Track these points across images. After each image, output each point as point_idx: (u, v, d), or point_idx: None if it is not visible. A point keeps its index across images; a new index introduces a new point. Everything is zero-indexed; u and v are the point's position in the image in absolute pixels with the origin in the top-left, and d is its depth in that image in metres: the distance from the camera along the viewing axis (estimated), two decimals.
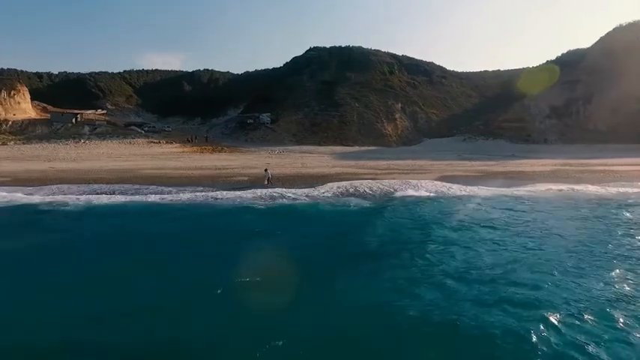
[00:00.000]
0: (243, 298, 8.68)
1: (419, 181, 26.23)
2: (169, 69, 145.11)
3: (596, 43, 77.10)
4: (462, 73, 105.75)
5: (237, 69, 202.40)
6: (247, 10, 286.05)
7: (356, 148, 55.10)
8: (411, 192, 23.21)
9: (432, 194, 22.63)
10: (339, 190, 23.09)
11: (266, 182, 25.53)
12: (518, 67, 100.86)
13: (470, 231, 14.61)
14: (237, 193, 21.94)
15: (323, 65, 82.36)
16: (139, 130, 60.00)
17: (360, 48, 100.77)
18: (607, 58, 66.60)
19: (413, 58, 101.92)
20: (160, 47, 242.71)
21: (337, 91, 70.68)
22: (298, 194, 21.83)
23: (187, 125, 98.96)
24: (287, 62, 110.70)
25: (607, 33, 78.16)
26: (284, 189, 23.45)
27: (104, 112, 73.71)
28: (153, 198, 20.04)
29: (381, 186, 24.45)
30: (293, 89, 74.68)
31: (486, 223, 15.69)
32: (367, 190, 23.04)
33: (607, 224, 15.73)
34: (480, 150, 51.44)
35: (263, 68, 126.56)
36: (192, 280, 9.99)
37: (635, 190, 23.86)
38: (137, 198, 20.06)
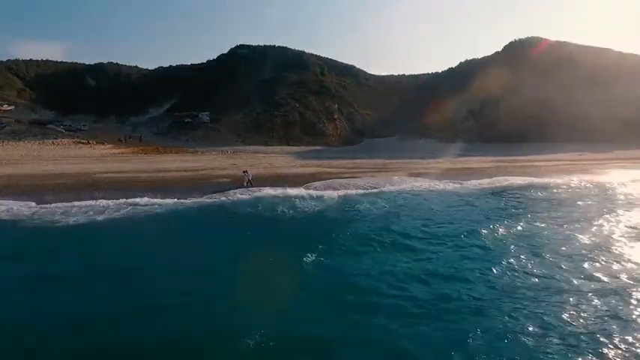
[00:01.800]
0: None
1: (400, 178, 28.07)
2: (59, 60, 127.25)
3: (497, 53, 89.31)
4: (382, 76, 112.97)
5: (144, 63, 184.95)
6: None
7: (303, 148, 55.67)
8: (404, 185, 24.94)
9: (431, 188, 24.66)
10: (339, 189, 23.56)
11: (245, 184, 24.74)
12: (422, 73, 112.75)
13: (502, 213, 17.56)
14: (247, 193, 21.38)
15: (257, 64, 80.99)
16: (59, 130, 52.30)
17: (285, 48, 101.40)
18: (506, 67, 77.72)
19: (336, 61, 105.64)
20: (34, 34, 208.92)
21: (277, 91, 70.34)
22: (304, 194, 21.80)
23: (102, 124, 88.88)
24: (212, 59, 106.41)
25: (504, 46, 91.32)
26: (282, 189, 23.12)
27: (10, 107, 62.32)
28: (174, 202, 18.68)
29: (371, 183, 25.56)
30: (229, 87, 72.15)
31: (502, 207, 18.13)
32: (364, 190, 23.74)
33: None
34: (418, 149, 56.02)
35: (178, 64, 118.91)
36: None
37: (571, 177, 29.17)
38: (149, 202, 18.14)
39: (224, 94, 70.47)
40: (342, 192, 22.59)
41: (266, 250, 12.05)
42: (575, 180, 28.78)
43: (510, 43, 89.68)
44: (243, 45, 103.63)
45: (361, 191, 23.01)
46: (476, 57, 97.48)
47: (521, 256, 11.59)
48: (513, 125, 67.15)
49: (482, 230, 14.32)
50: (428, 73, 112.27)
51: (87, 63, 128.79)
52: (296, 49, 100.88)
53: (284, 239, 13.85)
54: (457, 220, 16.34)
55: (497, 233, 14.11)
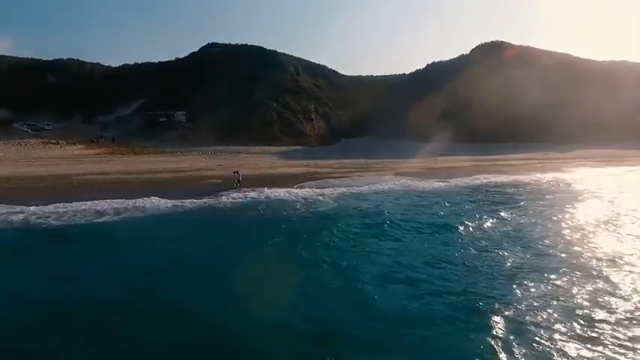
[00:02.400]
0: None
1: (389, 177, 28.93)
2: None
3: (465, 56, 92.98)
4: (354, 76, 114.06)
5: (103, 60, 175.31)
6: None
7: (284, 148, 55.64)
8: (394, 184, 25.76)
9: (421, 186, 25.60)
10: (332, 188, 23.88)
11: (236, 184, 24.60)
12: (390, 74, 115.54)
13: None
14: (243, 194, 21.36)
15: (232, 63, 79.75)
16: (25, 129, 49.38)
17: (260, 47, 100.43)
18: (476, 69, 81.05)
19: (308, 61, 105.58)
20: None
21: (254, 91, 69.74)
22: (302, 194, 21.91)
23: (66, 123, 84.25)
24: (182, 57, 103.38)
25: (472, 49, 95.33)
26: (276, 189, 23.16)
27: None
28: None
29: (362, 182, 26.11)
30: (204, 86, 70.67)
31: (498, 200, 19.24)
32: (358, 189, 24.05)
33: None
34: (396, 149, 57.31)
35: (144, 61, 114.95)
36: None
37: (544, 175, 31.26)
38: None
39: (199, 93, 69.02)
40: (336, 191, 22.92)
41: (286, 251, 12.29)
42: (548, 177, 30.85)
43: (477, 46, 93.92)
44: (215, 43, 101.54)
45: (355, 190, 23.46)
46: (442, 59, 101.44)
47: (523, 245, 12.67)
48: (485, 126, 70.05)
49: (485, 223, 15.41)
50: (395, 75, 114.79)
51: (44, 59, 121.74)
52: (269, 48, 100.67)
53: (297, 240, 13.86)
54: (456, 213, 17.13)
55: (497, 225, 15.31)
